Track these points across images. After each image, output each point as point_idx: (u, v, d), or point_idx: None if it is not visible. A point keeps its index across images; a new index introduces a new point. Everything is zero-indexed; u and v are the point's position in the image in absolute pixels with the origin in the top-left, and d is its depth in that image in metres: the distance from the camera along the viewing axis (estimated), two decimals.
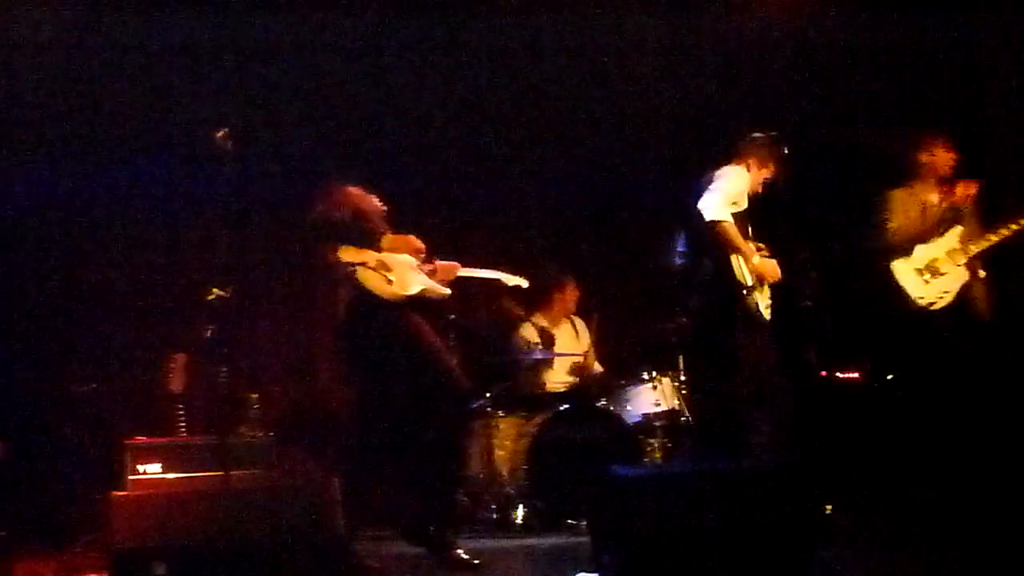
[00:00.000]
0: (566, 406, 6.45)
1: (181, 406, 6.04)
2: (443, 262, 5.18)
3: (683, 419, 6.64)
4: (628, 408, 6.74)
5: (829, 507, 5.19)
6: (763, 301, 5.64)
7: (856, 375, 6.18)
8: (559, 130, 7.83)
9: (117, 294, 7.08)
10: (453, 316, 6.48)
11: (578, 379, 7.15)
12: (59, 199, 6.96)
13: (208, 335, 5.14)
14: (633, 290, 7.88)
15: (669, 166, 7.72)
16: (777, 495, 4.03)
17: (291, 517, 4.36)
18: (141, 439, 5.87)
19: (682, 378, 6.81)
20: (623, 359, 7.34)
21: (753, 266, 5.57)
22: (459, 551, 4.86)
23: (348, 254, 4.83)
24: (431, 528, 4.90)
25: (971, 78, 7.18)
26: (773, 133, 5.73)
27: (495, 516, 6.32)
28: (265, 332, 7.31)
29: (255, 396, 6.40)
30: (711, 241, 5.46)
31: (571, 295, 7.35)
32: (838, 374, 6.04)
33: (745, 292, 5.55)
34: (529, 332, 7.20)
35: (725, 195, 5.51)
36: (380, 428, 4.90)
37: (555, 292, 7.32)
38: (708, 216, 5.44)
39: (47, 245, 6.94)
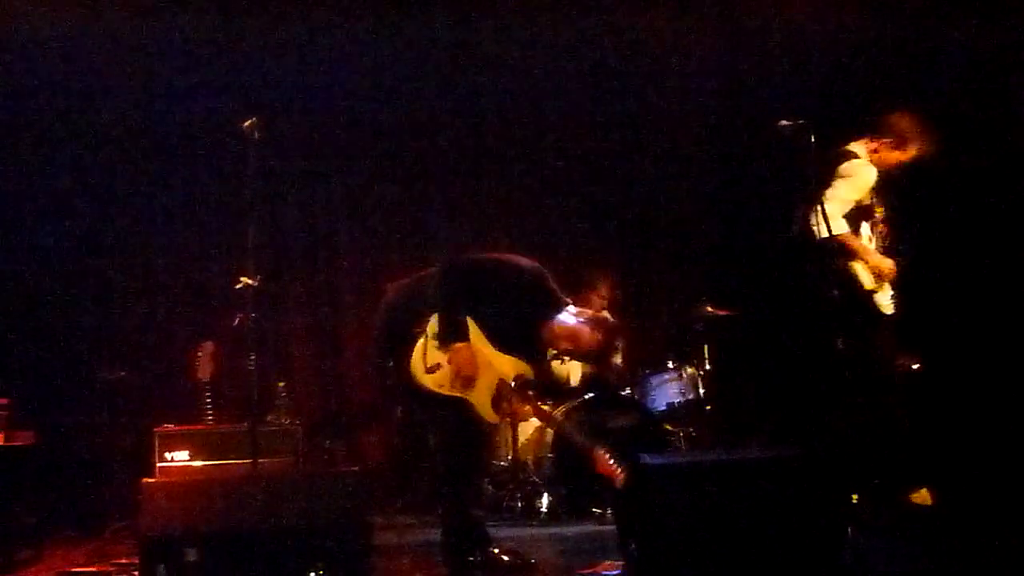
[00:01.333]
0: (591, 395, 6.44)
1: (209, 394, 6.06)
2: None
3: (707, 408, 6.63)
4: (653, 397, 6.73)
5: (856, 495, 5.16)
6: (884, 298, 5.67)
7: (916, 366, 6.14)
8: (585, 124, 7.81)
9: (146, 284, 7.13)
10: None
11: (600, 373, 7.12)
12: (89, 190, 7.01)
13: (236, 323, 5.14)
14: (658, 280, 7.86)
15: (695, 156, 7.71)
16: (804, 484, 4.01)
17: (318, 504, 4.37)
18: (169, 427, 5.90)
19: (707, 367, 6.80)
20: (648, 349, 7.32)
21: (874, 265, 5.60)
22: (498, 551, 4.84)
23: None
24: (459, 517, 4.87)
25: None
26: (911, 111, 5.69)
27: (520, 505, 6.32)
28: (293, 320, 7.34)
29: (283, 384, 6.43)
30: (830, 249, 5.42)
31: (605, 293, 7.30)
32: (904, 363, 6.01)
33: (868, 294, 5.60)
34: None
35: (841, 204, 5.52)
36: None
37: (590, 290, 7.28)
38: (823, 234, 5.30)
39: (77, 236, 6.98)
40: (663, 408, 6.66)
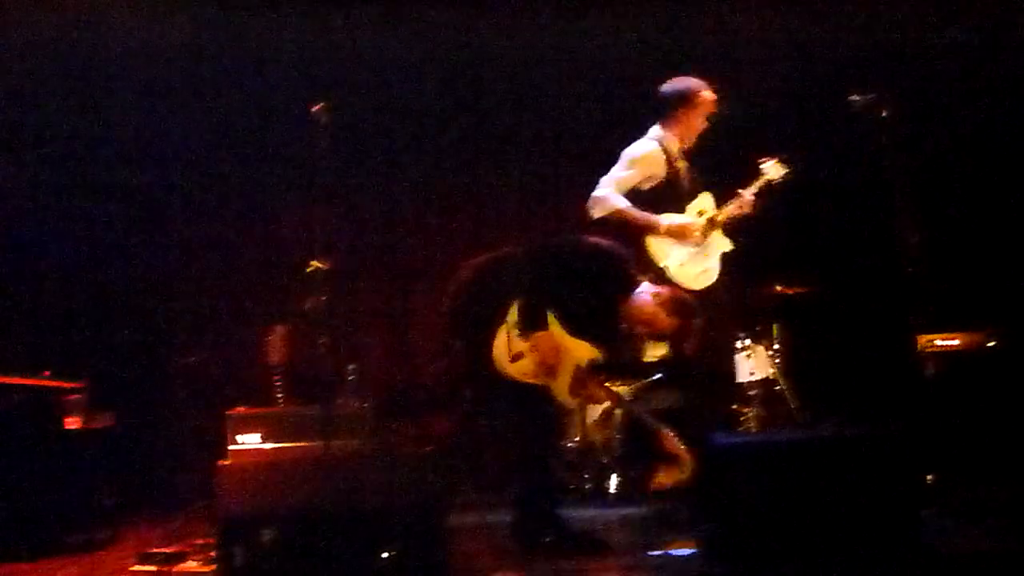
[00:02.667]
0: (659, 375, 6.42)
1: (280, 377, 6.13)
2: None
3: (777, 388, 6.58)
4: None
5: (930, 476, 5.11)
6: (694, 268, 5.54)
7: (958, 342, 6.05)
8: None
9: (219, 269, 7.24)
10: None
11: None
12: (164, 178, 7.13)
13: (307, 307, 5.19)
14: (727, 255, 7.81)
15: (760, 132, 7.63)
16: (879, 463, 3.98)
17: (388, 485, 4.41)
18: (241, 410, 5.97)
19: (776, 347, 6.75)
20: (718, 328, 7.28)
21: (665, 235, 5.47)
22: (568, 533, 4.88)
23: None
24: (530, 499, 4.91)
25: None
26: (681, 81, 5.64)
27: (589, 486, 6.33)
28: (364, 304, 7.40)
29: (353, 367, 6.49)
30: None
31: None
32: (939, 341, 5.92)
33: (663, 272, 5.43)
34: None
35: (615, 183, 5.45)
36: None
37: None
38: (593, 215, 5.41)
39: (154, 224, 7.10)
40: (733, 388, 6.61)
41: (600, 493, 6.26)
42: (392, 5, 7.08)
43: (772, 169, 5.90)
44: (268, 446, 5.78)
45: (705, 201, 5.70)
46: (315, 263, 5.07)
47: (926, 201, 5.58)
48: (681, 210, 5.60)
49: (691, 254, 5.55)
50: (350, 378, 6.41)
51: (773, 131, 7.45)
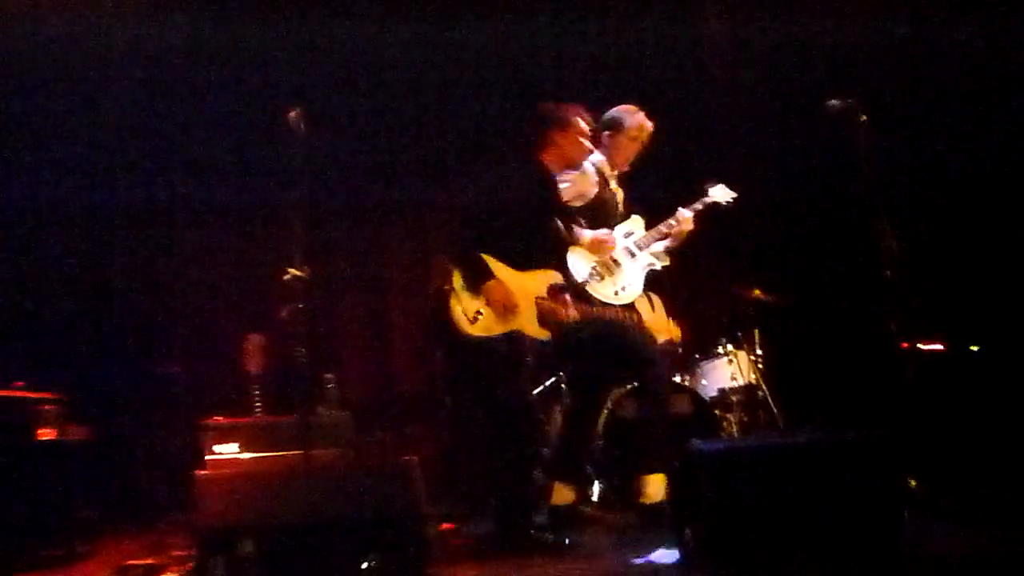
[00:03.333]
0: (635, 383, 6.42)
1: (258, 387, 6.12)
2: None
3: (759, 394, 6.61)
4: (704, 383, 6.72)
5: (913, 480, 5.13)
6: (615, 283, 5.61)
7: (940, 346, 6.10)
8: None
9: (196, 278, 7.21)
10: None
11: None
12: (138, 184, 7.10)
13: (285, 316, 5.18)
14: (708, 263, 7.84)
15: (742, 136, 7.67)
16: (860, 468, 3.99)
17: (369, 496, 4.40)
18: (219, 420, 5.95)
19: (758, 352, 6.78)
20: (699, 333, 7.30)
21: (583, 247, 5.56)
22: (540, 532, 4.91)
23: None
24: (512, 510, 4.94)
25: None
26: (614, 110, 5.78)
27: (572, 494, 6.31)
28: (342, 312, 7.40)
29: (332, 375, 6.48)
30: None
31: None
32: (920, 346, 5.95)
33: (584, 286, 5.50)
34: None
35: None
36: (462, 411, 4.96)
37: None
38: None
39: (128, 236, 7.08)
40: (715, 394, 6.64)
41: (583, 500, 6.25)
42: (369, 8, 7.07)
43: (718, 192, 6.09)
44: (246, 456, 5.76)
45: (634, 224, 5.85)
46: (292, 271, 5.05)
47: (906, 205, 5.61)
48: (612, 229, 5.73)
49: (610, 271, 5.63)
50: (329, 387, 6.41)
51: (750, 136, 7.51)
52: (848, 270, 6.87)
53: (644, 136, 5.77)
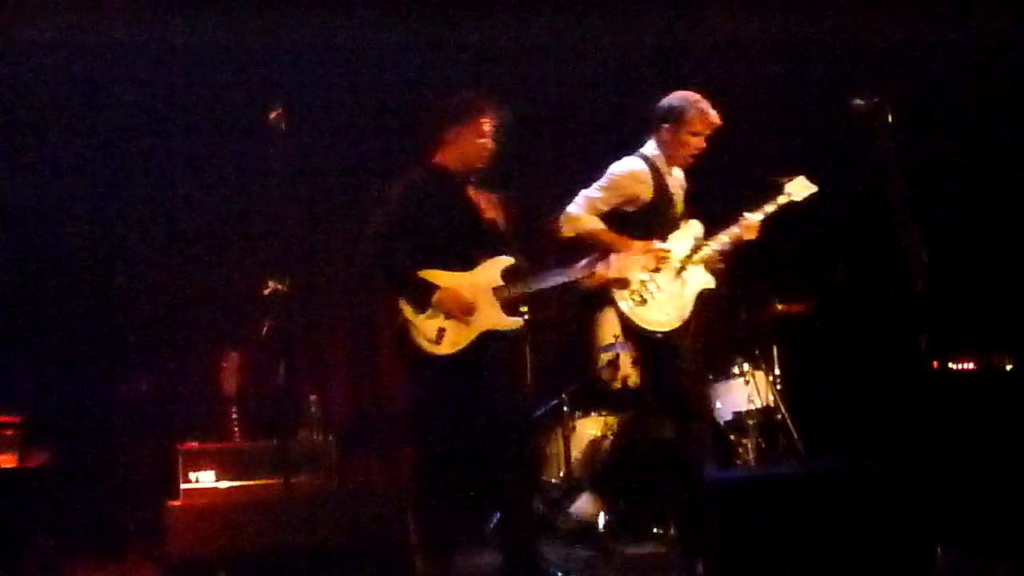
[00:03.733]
0: (643, 404, 6.43)
1: (235, 409, 6.12)
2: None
3: (778, 417, 6.60)
4: (719, 405, 6.71)
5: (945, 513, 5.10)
6: (661, 307, 5.28)
7: (972, 365, 6.08)
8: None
9: (168, 290, 7.19)
10: (525, 311, 6.50)
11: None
12: (105, 194, 7.09)
13: (264, 332, 5.19)
14: (723, 277, 7.83)
15: (759, 137, 7.67)
16: (887, 499, 3.98)
17: (354, 526, 4.40)
18: (193, 444, 5.95)
19: (776, 372, 6.77)
20: (713, 352, 7.30)
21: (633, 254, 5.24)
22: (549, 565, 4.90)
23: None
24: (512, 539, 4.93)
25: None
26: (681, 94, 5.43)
27: (576, 523, 6.32)
28: (325, 328, 7.38)
29: (314, 397, 6.47)
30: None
31: None
32: (951, 364, 5.94)
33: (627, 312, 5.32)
34: (611, 319, 7.22)
35: (587, 200, 5.34)
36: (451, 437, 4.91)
37: None
38: (563, 232, 5.33)
39: (94, 242, 7.07)
40: (730, 418, 6.63)
41: (587, 532, 6.25)
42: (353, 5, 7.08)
43: (796, 187, 5.56)
44: (223, 484, 5.76)
45: (693, 229, 5.48)
46: (272, 284, 5.06)
47: (936, 212, 5.60)
48: (665, 238, 5.39)
49: (653, 292, 5.31)
50: (311, 409, 6.40)
51: (770, 139, 7.51)
52: (874, 282, 6.86)
53: (708, 130, 5.37)
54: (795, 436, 6.54)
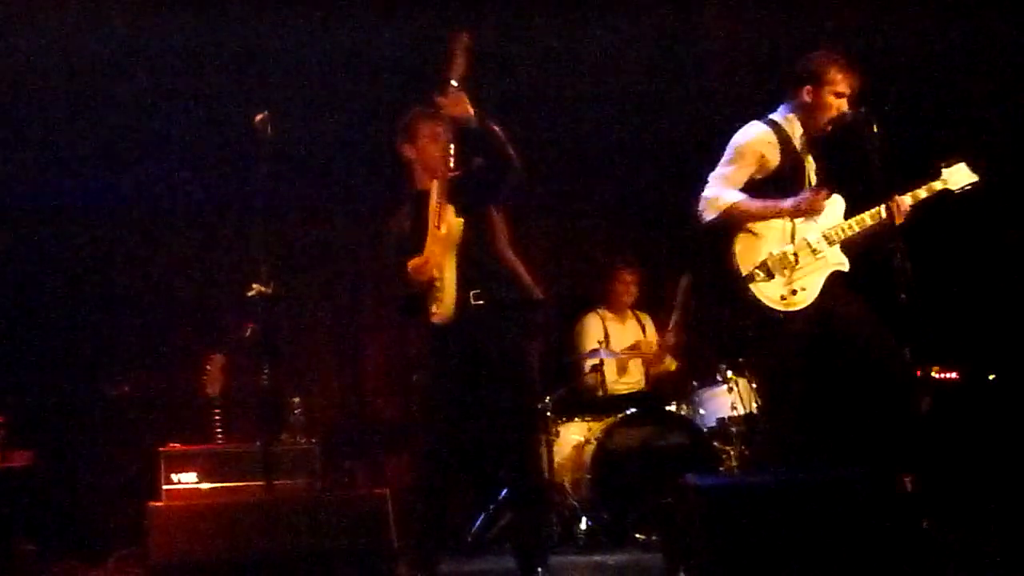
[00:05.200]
0: (633, 410, 6.45)
1: (218, 411, 6.11)
2: None
3: (762, 424, 6.61)
4: (702, 412, 6.73)
5: (927, 521, 5.11)
6: (787, 284, 5.02)
7: (955, 375, 6.11)
8: (623, 113, 7.82)
9: (151, 291, 7.18)
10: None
11: (648, 380, 7.20)
12: (91, 196, 7.08)
13: (248, 334, 5.18)
14: (707, 282, 7.85)
15: None
16: (872, 509, 3.99)
17: (337, 531, 4.40)
18: (176, 446, 5.95)
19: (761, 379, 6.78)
20: (696, 359, 7.32)
21: (792, 216, 5.07)
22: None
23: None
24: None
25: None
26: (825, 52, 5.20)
27: (557, 530, 6.33)
28: (310, 331, 7.38)
29: (298, 400, 6.47)
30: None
31: (630, 283, 7.40)
32: (934, 374, 5.96)
33: (747, 281, 5.03)
34: (595, 325, 7.26)
35: (722, 178, 5.15)
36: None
37: (612, 281, 7.39)
38: (705, 218, 5.12)
39: (78, 244, 7.05)
40: (713, 424, 6.65)
41: (568, 538, 6.26)
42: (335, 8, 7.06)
43: (955, 175, 5.25)
44: (205, 486, 5.76)
45: (834, 205, 5.20)
46: (256, 286, 5.05)
47: (921, 223, 5.57)
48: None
49: (786, 266, 5.05)
50: (295, 412, 6.40)
51: None
52: (858, 293, 6.87)
53: (850, 90, 5.10)
54: (778, 444, 6.55)
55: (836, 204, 5.20)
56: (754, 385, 6.72)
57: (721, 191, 5.10)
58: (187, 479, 5.84)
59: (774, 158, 5.11)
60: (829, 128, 5.15)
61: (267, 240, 5.16)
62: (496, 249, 4.95)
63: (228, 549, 4.30)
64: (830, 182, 5.23)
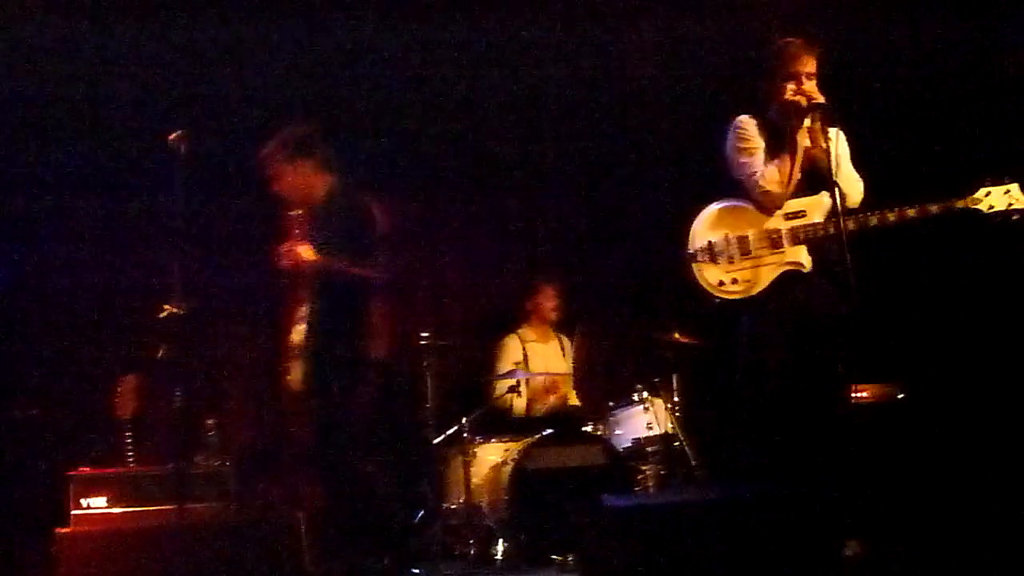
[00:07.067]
0: (550, 431, 6.46)
1: (130, 433, 6.03)
2: None
3: (677, 444, 6.66)
4: (618, 433, 6.77)
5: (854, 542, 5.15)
6: (728, 271, 4.94)
7: (866, 394, 6.16)
8: (544, 125, 7.86)
9: (61, 312, 7.05)
10: (428, 335, 6.51)
11: (565, 401, 7.22)
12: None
13: (160, 355, 5.12)
14: (624, 302, 7.91)
15: (663, 166, 7.75)
16: (790, 528, 4.02)
17: (251, 554, 4.36)
18: (85, 470, 5.85)
19: (676, 399, 6.84)
20: (612, 379, 7.37)
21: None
22: None
23: None
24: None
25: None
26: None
27: (473, 551, 6.32)
28: (223, 352, 7.30)
29: (212, 421, 6.40)
30: None
31: (549, 303, 7.42)
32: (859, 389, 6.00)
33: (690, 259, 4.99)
34: (514, 347, 7.27)
35: (753, 159, 5.03)
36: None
37: (534, 298, 7.41)
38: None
39: None
40: (629, 444, 6.69)
41: (485, 559, 6.25)
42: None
43: (999, 198, 4.84)
44: (116, 511, 5.66)
45: (817, 203, 4.99)
46: (169, 307, 5.00)
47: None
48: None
49: (738, 253, 4.96)
50: (209, 434, 6.32)
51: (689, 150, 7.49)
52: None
53: (803, 67, 4.94)
54: (693, 463, 6.62)
55: (820, 201, 4.97)
56: (669, 405, 6.79)
57: (764, 170, 4.99)
58: (97, 504, 5.74)
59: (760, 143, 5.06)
60: (803, 113, 4.95)
61: (181, 260, 5.11)
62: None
63: (139, 574, 4.24)
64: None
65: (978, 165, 5.06)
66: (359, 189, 5.44)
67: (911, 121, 6.55)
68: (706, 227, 5.03)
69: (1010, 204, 4.81)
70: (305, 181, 5.34)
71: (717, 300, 4.99)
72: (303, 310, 5.10)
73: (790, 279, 4.94)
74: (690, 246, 5.01)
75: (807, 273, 4.94)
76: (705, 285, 4.98)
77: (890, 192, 5.02)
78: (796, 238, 4.94)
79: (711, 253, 4.97)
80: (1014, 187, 4.82)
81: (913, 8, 6.79)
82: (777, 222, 4.98)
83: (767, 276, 4.95)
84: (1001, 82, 6.73)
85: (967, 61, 6.81)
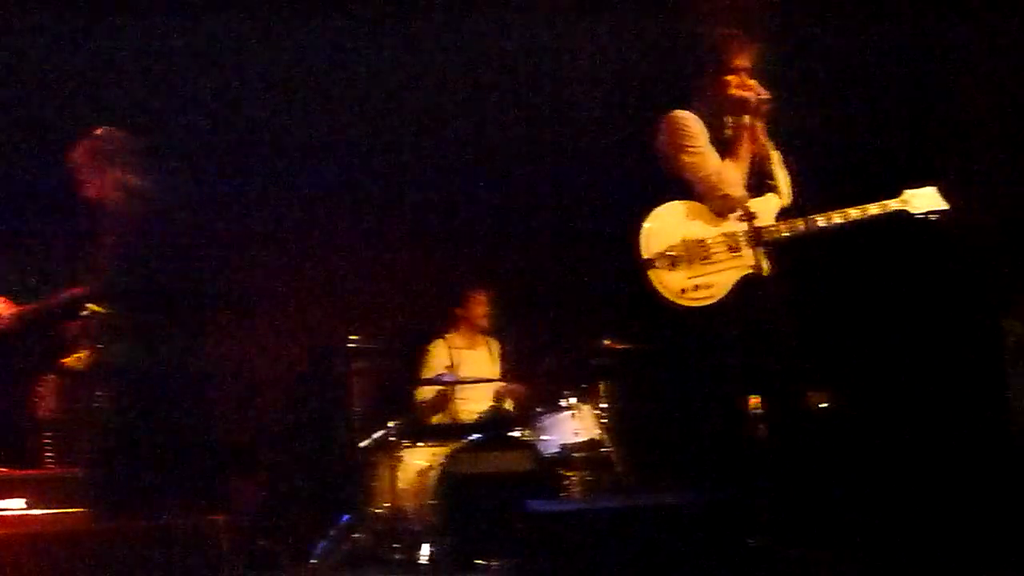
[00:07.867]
0: (477, 436, 6.44)
1: (50, 434, 5.92)
2: None
3: (604, 450, 6.68)
4: (545, 438, 6.76)
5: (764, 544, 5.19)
6: (689, 278, 4.74)
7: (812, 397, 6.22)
8: (472, 127, 7.83)
9: None
10: (356, 339, 6.48)
11: (493, 407, 7.20)
12: None
13: (83, 356, 5.05)
14: (552, 308, 7.92)
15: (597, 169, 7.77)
16: (710, 533, 4.05)
17: (171, 560, 4.30)
18: (2, 471, 5.74)
19: (603, 406, 6.85)
20: (539, 385, 7.36)
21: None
22: None
23: None
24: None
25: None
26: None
27: (399, 556, 6.28)
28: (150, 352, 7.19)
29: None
30: None
31: (479, 310, 7.41)
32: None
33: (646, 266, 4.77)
34: (441, 353, 7.25)
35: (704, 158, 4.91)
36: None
37: (465, 304, 7.40)
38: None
39: None
40: (557, 450, 6.69)
41: (411, 564, 6.22)
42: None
43: (920, 199, 4.98)
44: (33, 513, 5.55)
45: (767, 203, 4.94)
46: (91, 306, 4.93)
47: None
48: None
49: (695, 258, 4.78)
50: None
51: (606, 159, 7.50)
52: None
53: (742, 61, 4.90)
54: (618, 470, 6.63)
55: (770, 202, 4.94)
56: (596, 412, 6.81)
57: (712, 167, 4.90)
58: (13, 506, 5.63)
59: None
60: (748, 108, 4.92)
61: (107, 258, 5.04)
62: None
63: None
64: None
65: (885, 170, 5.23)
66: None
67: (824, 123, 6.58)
68: (659, 230, 4.79)
69: (932, 205, 4.94)
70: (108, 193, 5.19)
71: (680, 309, 4.73)
72: None
73: (748, 284, 4.79)
74: (644, 251, 4.75)
75: (765, 277, 4.80)
76: (666, 293, 4.72)
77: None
78: (754, 241, 4.82)
79: (672, 259, 4.72)
80: (932, 189, 4.98)
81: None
82: (732, 224, 4.83)
83: (728, 281, 4.78)
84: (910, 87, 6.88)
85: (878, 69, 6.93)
